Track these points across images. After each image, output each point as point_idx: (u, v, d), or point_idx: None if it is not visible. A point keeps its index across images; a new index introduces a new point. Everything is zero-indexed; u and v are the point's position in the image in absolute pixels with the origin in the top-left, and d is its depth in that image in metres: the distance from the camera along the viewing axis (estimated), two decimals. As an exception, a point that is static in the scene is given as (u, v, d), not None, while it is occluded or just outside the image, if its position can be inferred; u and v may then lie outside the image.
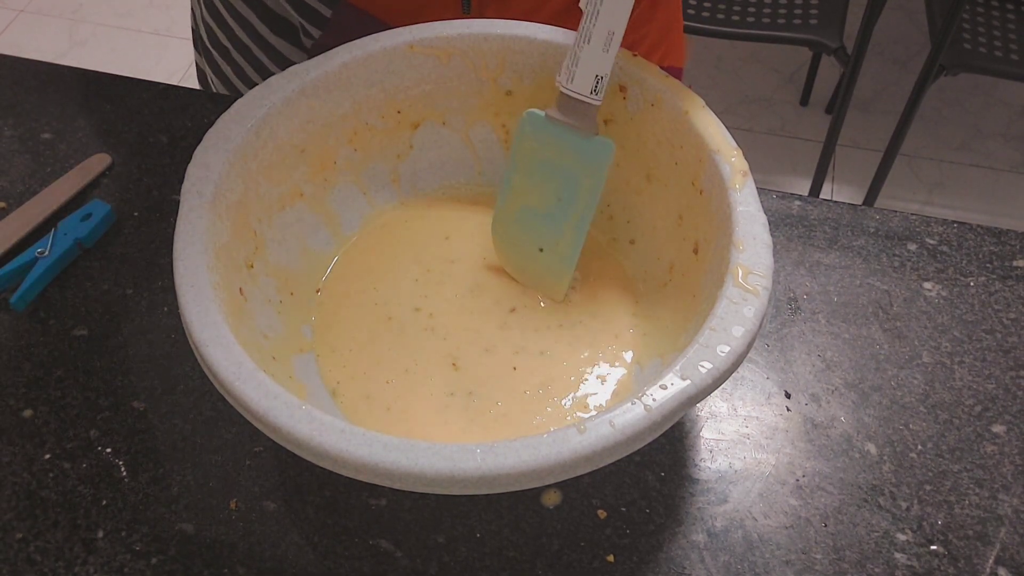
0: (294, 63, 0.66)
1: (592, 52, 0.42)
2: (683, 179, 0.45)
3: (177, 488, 0.44)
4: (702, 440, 0.46)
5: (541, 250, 0.47)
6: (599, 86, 0.43)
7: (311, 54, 0.65)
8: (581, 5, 0.42)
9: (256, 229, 0.45)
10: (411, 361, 0.46)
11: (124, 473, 0.45)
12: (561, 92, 0.44)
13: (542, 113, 0.45)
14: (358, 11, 0.61)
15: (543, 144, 0.46)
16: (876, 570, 0.41)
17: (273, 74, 0.68)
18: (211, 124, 0.44)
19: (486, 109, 0.50)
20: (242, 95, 0.71)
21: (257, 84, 0.70)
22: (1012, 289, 0.52)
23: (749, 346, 0.36)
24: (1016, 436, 0.46)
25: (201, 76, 0.77)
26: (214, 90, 0.75)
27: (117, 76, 0.64)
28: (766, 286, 0.37)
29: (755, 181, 0.41)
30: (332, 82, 0.46)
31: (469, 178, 0.53)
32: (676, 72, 0.71)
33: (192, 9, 0.74)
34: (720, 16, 1.34)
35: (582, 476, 0.39)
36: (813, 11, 1.33)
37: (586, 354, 0.46)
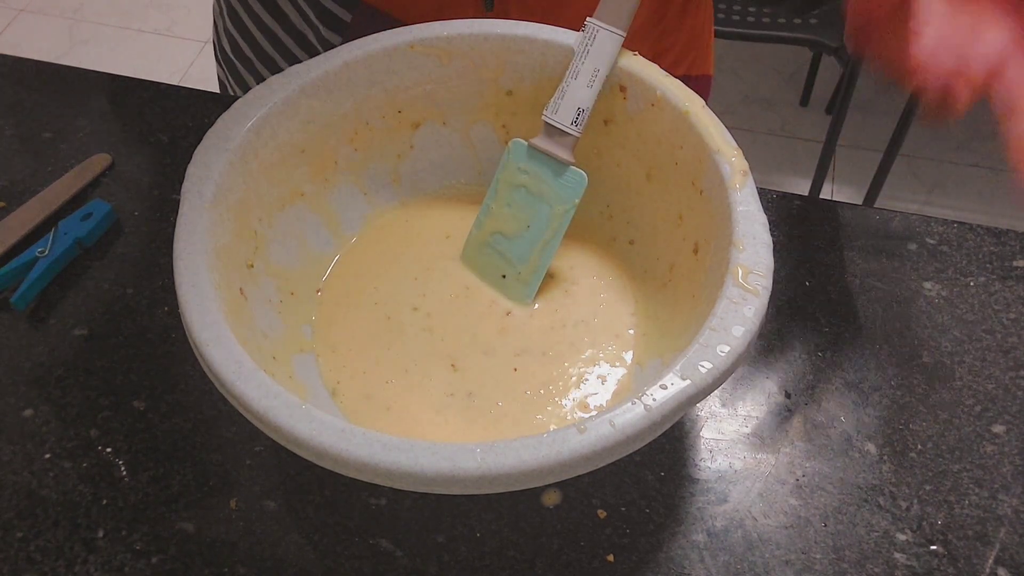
0: None
1: (577, 87, 0.45)
2: (683, 179, 0.45)
3: (177, 487, 0.44)
4: (702, 440, 0.46)
5: (504, 277, 0.48)
6: (580, 118, 0.46)
7: None
8: (574, 46, 0.46)
9: (256, 229, 0.45)
10: (410, 361, 0.46)
11: (124, 472, 0.45)
12: (545, 122, 0.46)
13: (525, 143, 0.47)
14: (379, 13, 0.60)
15: (522, 172, 0.48)
16: (876, 570, 0.41)
17: None
18: (211, 124, 0.44)
19: (487, 109, 0.50)
20: None
21: None
22: (1012, 289, 0.52)
23: (749, 346, 0.36)
24: (1016, 436, 0.46)
25: (223, 88, 0.77)
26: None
27: (117, 76, 0.65)
28: (766, 286, 0.37)
29: (755, 181, 0.41)
30: (333, 82, 0.47)
31: (469, 178, 0.53)
32: (705, 81, 0.71)
33: (215, 21, 0.74)
34: (721, 16, 1.34)
35: (582, 476, 0.39)
36: (813, 11, 1.33)
37: (586, 354, 0.46)
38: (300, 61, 0.66)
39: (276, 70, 0.68)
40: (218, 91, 0.78)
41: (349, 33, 0.62)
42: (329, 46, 0.64)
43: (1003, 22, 0.38)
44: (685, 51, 0.68)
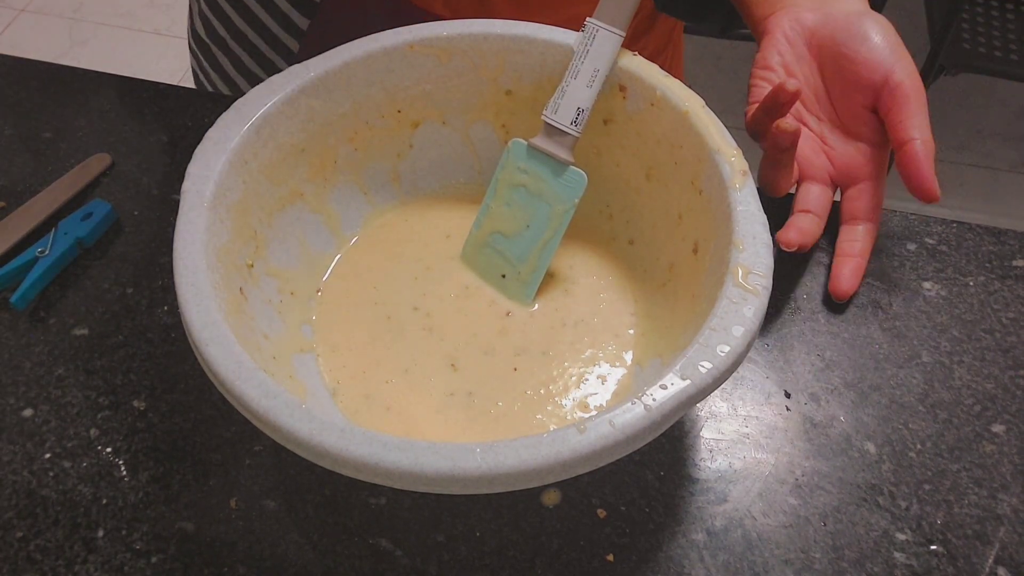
0: (291, 50, 0.66)
1: (577, 87, 0.45)
2: (683, 179, 0.45)
3: (177, 487, 0.44)
4: (702, 440, 0.46)
5: (504, 276, 0.48)
6: (579, 118, 0.46)
7: (306, 37, 0.65)
8: (573, 46, 0.46)
9: (256, 229, 0.45)
10: (410, 361, 0.46)
11: (124, 472, 0.45)
12: (544, 122, 0.47)
13: (525, 142, 0.47)
14: None
15: (522, 172, 0.48)
16: (875, 569, 0.41)
17: (271, 62, 0.68)
18: (211, 124, 0.44)
19: (486, 108, 0.50)
20: (240, 90, 0.71)
21: (255, 74, 0.70)
22: (1011, 289, 0.52)
23: (749, 346, 0.36)
24: (1015, 436, 0.46)
25: (196, 77, 0.77)
26: (210, 89, 0.75)
27: (117, 76, 0.65)
28: (766, 286, 0.37)
29: (755, 181, 0.41)
30: (332, 81, 0.47)
31: (469, 177, 0.53)
32: None
33: (189, 7, 0.74)
34: (720, 16, 1.34)
35: (582, 475, 0.39)
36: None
37: (586, 354, 0.46)
38: (273, 36, 0.67)
39: (249, 46, 0.68)
40: (193, 84, 0.79)
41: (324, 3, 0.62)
42: (306, 4, 0.63)
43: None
44: (654, 56, 0.69)
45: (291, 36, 0.65)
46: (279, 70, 0.66)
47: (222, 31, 0.69)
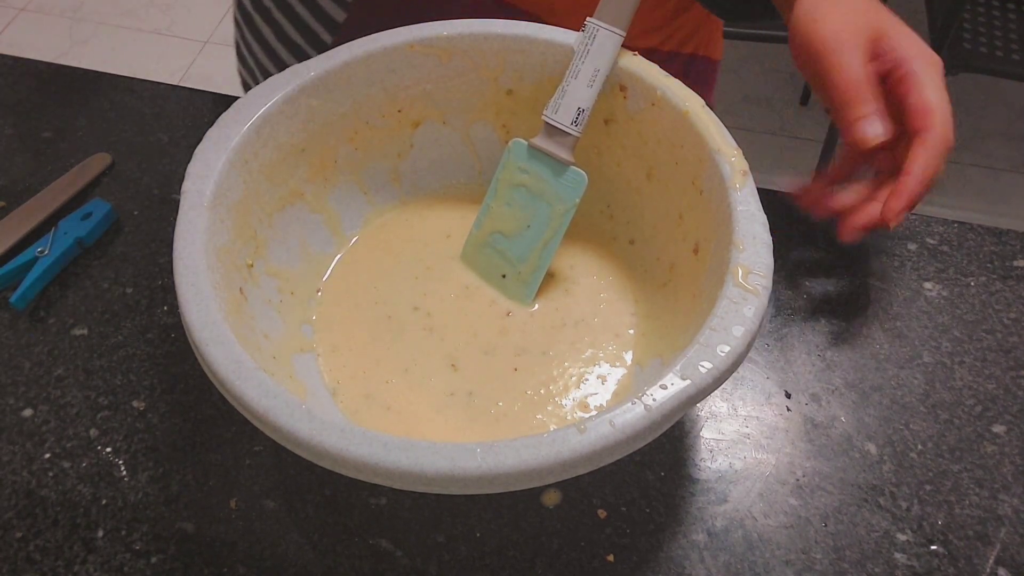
0: (335, 19, 0.66)
1: (577, 87, 0.45)
2: (683, 178, 0.45)
3: (177, 487, 0.44)
4: (702, 440, 0.46)
5: (504, 276, 0.48)
6: (580, 118, 0.46)
7: (351, 7, 0.65)
8: (574, 46, 0.46)
9: (256, 229, 0.45)
10: (411, 361, 0.46)
11: (124, 472, 0.45)
12: (545, 122, 0.46)
13: (525, 142, 0.47)
14: None
15: (523, 172, 0.48)
16: (876, 570, 0.41)
17: (314, 33, 0.68)
18: (211, 123, 0.44)
19: (486, 108, 0.50)
20: (282, 61, 0.71)
21: (297, 44, 0.70)
22: (1012, 289, 0.52)
23: (749, 346, 0.36)
24: (1016, 436, 0.46)
25: (238, 48, 0.77)
26: (250, 62, 0.75)
27: (117, 75, 0.65)
28: (766, 286, 0.37)
29: (755, 181, 0.41)
30: (333, 81, 0.46)
31: (469, 177, 0.53)
32: (711, 64, 0.71)
33: None
34: (720, 16, 1.34)
35: (582, 476, 0.39)
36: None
37: (586, 354, 0.46)
38: (315, 5, 0.66)
39: (292, 15, 0.68)
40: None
41: None
42: None
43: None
44: (695, 30, 0.68)
45: (336, 4, 0.65)
46: (322, 41, 0.66)
47: (267, 0, 0.69)
